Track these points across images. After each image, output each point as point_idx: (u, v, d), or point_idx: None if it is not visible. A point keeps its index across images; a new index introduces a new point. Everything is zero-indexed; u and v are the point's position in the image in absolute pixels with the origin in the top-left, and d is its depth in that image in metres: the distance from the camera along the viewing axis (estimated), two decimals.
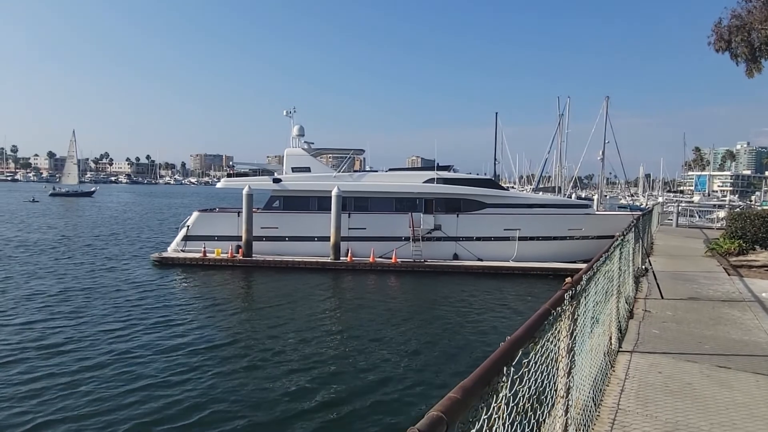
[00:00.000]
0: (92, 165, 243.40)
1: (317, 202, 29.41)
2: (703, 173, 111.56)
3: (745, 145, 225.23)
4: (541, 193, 51.47)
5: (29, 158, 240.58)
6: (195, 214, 29.58)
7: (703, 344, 5.68)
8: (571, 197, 48.91)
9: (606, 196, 65.18)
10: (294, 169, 30.24)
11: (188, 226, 29.05)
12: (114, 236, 39.28)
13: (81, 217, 55.88)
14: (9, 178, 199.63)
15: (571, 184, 62.55)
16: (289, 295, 22.04)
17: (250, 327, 17.01)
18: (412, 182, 30.03)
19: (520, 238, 29.38)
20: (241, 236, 28.05)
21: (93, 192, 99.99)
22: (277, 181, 29.63)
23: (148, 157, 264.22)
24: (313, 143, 32.20)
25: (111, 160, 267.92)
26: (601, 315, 4.59)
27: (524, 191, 60.06)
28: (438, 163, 33.45)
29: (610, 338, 5.00)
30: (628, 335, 5.85)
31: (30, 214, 58.51)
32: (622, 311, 5.95)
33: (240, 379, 12.16)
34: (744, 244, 14.41)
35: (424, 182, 30.06)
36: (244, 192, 27.93)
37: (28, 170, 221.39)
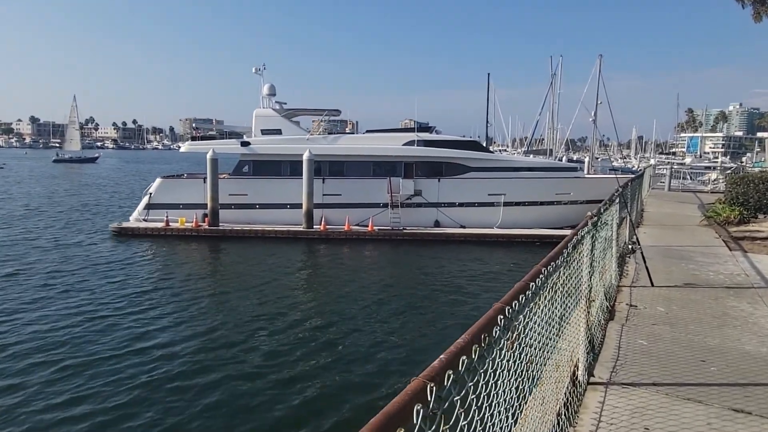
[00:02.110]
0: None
1: (289, 167, 27.49)
2: (695, 135, 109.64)
3: (738, 107, 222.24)
4: (531, 155, 49.76)
5: (11, 123, 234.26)
6: (158, 180, 27.62)
7: (708, 364, 4.09)
8: (561, 160, 47.18)
9: (598, 158, 63.45)
10: (264, 132, 28.16)
11: (150, 194, 27.13)
12: (83, 205, 37.27)
13: (56, 185, 53.60)
14: None
15: (563, 146, 60.78)
16: (257, 266, 20.55)
17: (214, 304, 15.57)
18: (391, 145, 28.08)
19: (506, 204, 27.76)
20: (207, 204, 26.22)
21: (97, 158, 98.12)
22: (245, 144, 27.59)
23: (134, 121, 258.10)
24: (285, 103, 30.03)
25: (97, 124, 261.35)
26: (558, 343, 2.95)
27: (515, 154, 58.26)
28: (421, 125, 31.47)
29: (575, 369, 3.40)
30: (605, 350, 4.24)
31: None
32: (596, 318, 4.31)
33: (207, 360, 11.24)
34: (745, 212, 12.80)
35: (404, 144, 28.11)
36: (208, 156, 25.92)
37: (11, 136, 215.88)
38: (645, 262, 6.50)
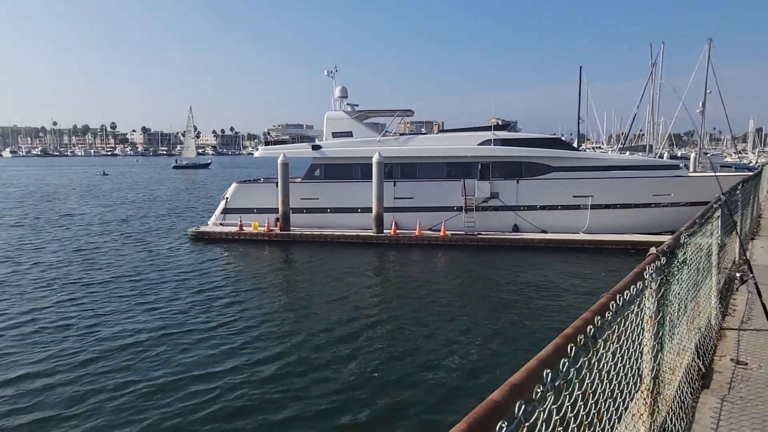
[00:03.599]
0: (181, 138, 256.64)
1: (360, 170, 26.81)
2: None
3: None
4: (627, 153, 45.64)
5: (126, 134, 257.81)
6: (233, 185, 28.09)
7: None
8: (662, 156, 42.83)
9: (707, 153, 57.19)
10: (335, 134, 27.72)
11: (227, 198, 27.64)
12: (171, 209, 39.23)
13: (154, 190, 57.37)
14: (109, 153, 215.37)
15: (664, 141, 55.49)
16: (325, 273, 20.10)
17: (281, 314, 15.21)
18: (466, 144, 26.51)
19: (593, 206, 25.19)
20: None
21: (209, 163, 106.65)
22: (316, 147, 27.30)
23: (231, 128, 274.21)
24: (357, 105, 29.41)
25: (198, 132, 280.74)
26: None
27: (609, 152, 54.06)
28: (505, 122, 29.55)
29: None
30: None
31: (98, 187, 61.01)
32: (671, 404, 2.77)
33: (279, 366, 11.21)
34: None
35: (479, 144, 26.43)
36: (279, 161, 25.88)
37: (126, 145, 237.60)
38: (759, 293, 4.75)
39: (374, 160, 25.03)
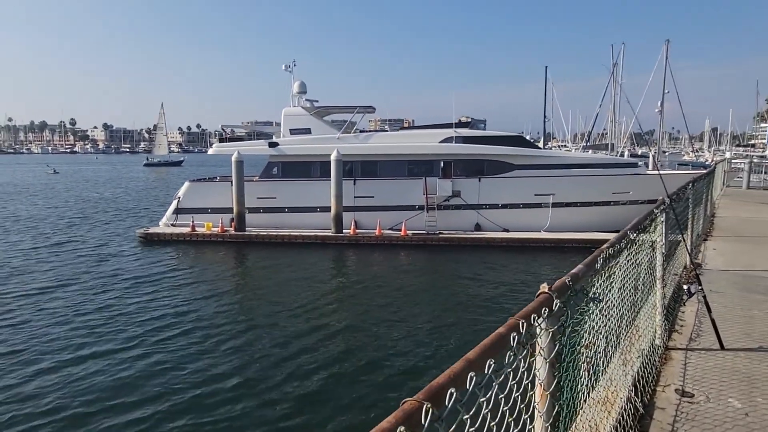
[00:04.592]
0: (145, 135, 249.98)
1: (319, 168, 25.97)
2: None
3: None
4: (590, 151, 46.08)
5: (87, 131, 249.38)
6: (186, 183, 26.88)
7: None
8: (623, 155, 43.41)
9: (665, 152, 58.44)
10: (292, 131, 26.80)
11: (179, 198, 26.42)
12: (121, 210, 37.57)
13: (112, 189, 55.15)
14: (68, 150, 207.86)
15: (625, 140, 56.42)
16: (282, 274, 19.41)
17: (234, 316, 14.46)
18: (427, 142, 25.99)
19: (555, 205, 25.03)
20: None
21: (182, 161, 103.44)
22: (273, 145, 26.32)
23: (198, 125, 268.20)
24: (317, 101, 28.53)
25: (156, 129, 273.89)
26: None
27: (573, 150, 54.63)
28: (467, 121, 29.20)
29: None
30: None
31: (47, 187, 58.41)
32: None
33: (232, 374, 10.72)
34: None
35: (441, 142, 25.95)
36: (233, 158, 24.83)
37: (86, 142, 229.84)
38: (709, 308, 4.21)
39: (333, 157, 24.26)
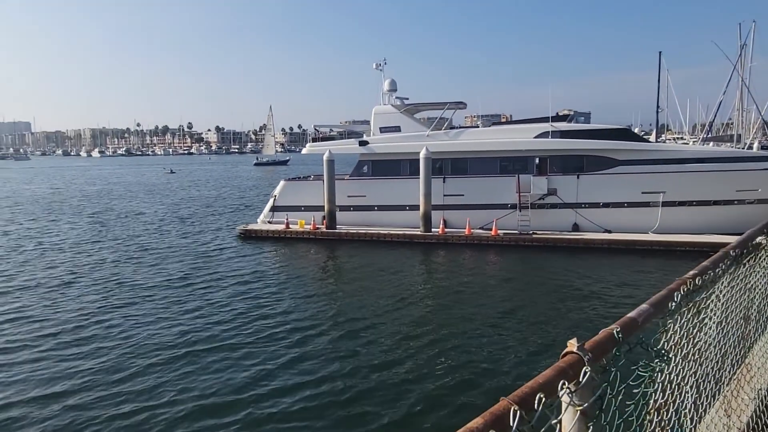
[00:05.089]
0: (252, 136, 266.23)
1: (409, 166, 25.72)
2: None
3: None
4: (711, 143, 41.57)
5: (201, 133, 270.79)
6: (281, 182, 27.88)
7: None
8: (752, 147, 38.59)
9: None
10: (382, 129, 26.78)
11: (275, 196, 27.48)
12: (231, 205, 40.00)
13: (224, 186, 59.11)
14: (185, 152, 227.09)
15: (755, 130, 50.28)
16: (370, 273, 19.54)
17: (322, 315, 14.72)
18: (521, 138, 24.75)
19: (665, 204, 22.72)
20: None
21: (288, 161, 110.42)
22: (363, 143, 26.49)
23: (299, 126, 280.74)
24: (407, 98, 28.32)
25: (265, 131, 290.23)
26: None
27: (690, 143, 49.80)
28: (565, 114, 27.49)
29: None
30: None
31: (163, 186, 63.55)
32: None
33: (317, 369, 11.01)
34: None
35: (536, 137, 24.58)
36: (325, 157, 25.30)
37: (201, 144, 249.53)
38: None
39: (421, 155, 23.88)
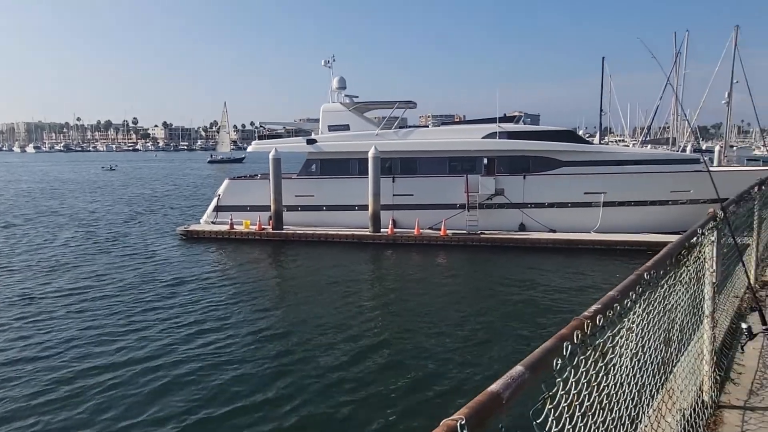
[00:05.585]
0: (202, 133, 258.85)
1: (358, 165, 25.41)
2: None
3: None
4: (648, 146, 43.41)
5: (147, 129, 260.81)
6: (225, 181, 26.98)
7: None
8: (685, 150, 40.54)
9: (733, 147, 54.44)
10: (331, 128, 26.35)
11: (219, 195, 26.56)
12: (177, 205, 38.49)
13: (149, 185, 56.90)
14: (130, 149, 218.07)
15: (688, 134, 52.89)
16: (318, 274, 19.16)
17: (268, 316, 14.28)
18: (469, 138, 24.90)
19: (606, 204, 23.40)
20: None
21: (243, 158, 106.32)
22: (311, 142, 25.97)
23: (252, 123, 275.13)
24: (357, 96, 27.98)
25: (219, 128, 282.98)
26: None
27: (630, 145, 51.80)
28: (511, 116, 27.89)
29: None
30: None
31: (99, 184, 60.79)
32: None
33: (261, 372, 10.75)
34: None
35: (484, 137, 24.79)
36: (271, 156, 24.65)
37: (147, 140, 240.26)
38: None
39: (370, 154, 23.63)
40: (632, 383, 1.96)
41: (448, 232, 23.47)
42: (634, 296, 1.84)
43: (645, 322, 2.09)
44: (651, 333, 2.20)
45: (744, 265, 4.04)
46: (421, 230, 23.68)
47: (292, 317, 14.27)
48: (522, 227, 24.11)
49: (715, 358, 3.27)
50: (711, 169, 23.71)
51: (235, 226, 24.91)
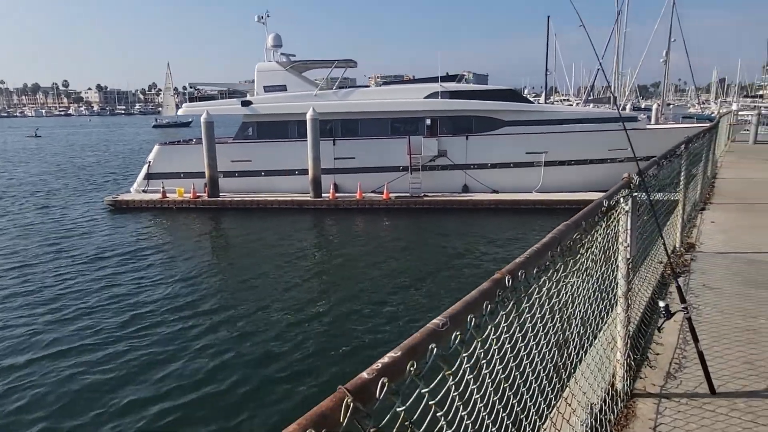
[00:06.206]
0: (140, 96, 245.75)
1: (296, 128, 24.33)
2: None
3: None
4: (592, 105, 44.00)
5: (80, 92, 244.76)
6: (156, 147, 25.30)
7: None
8: (626, 108, 41.36)
9: (670, 105, 56.13)
10: (267, 89, 24.99)
11: (149, 162, 24.92)
12: (111, 174, 36.14)
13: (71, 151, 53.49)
14: (62, 113, 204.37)
15: (628, 93, 54.04)
16: (257, 242, 18.38)
17: (207, 288, 13.55)
18: (411, 98, 24.20)
19: (547, 163, 23.46)
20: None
21: (191, 122, 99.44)
22: (246, 103, 24.57)
23: (191, 85, 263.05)
24: (294, 55, 26.58)
25: (159, 90, 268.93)
26: None
27: (573, 105, 52.40)
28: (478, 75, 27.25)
29: None
30: None
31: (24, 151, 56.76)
32: None
33: (202, 343, 10.28)
34: None
35: (426, 97, 24.15)
36: (202, 119, 23.16)
37: (80, 104, 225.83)
38: (696, 336, 2.82)
39: (308, 116, 22.56)
40: (531, 386, 1.50)
41: (391, 195, 22.98)
42: (501, 294, 1.33)
43: (540, 315, 1.63)
44: (551, 330, 1.73)
45: (662, 235, 3.66)
46: (363, 194, 23.08)
47: (231, 289, 13.53)
48: (465, 188, 23.93)
49: (629, 341, 2.88)
50: (640, 127, 24.08)
51: (167, 195, 23.51)
